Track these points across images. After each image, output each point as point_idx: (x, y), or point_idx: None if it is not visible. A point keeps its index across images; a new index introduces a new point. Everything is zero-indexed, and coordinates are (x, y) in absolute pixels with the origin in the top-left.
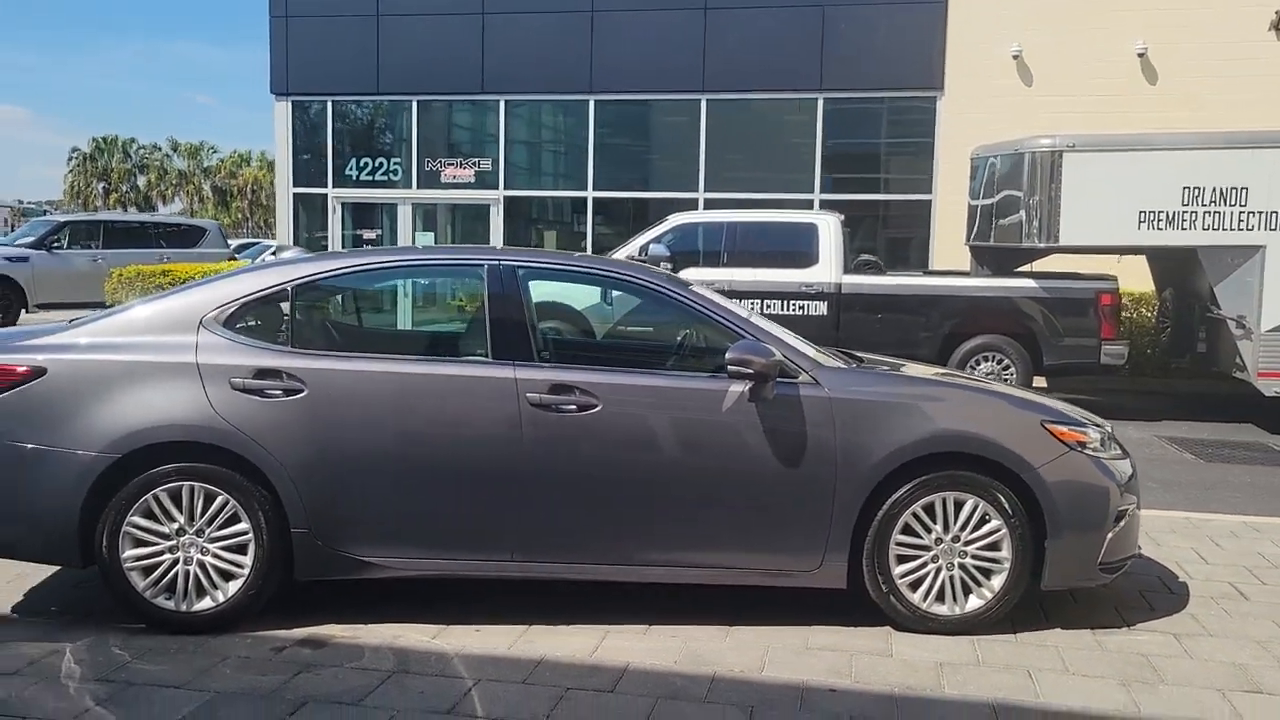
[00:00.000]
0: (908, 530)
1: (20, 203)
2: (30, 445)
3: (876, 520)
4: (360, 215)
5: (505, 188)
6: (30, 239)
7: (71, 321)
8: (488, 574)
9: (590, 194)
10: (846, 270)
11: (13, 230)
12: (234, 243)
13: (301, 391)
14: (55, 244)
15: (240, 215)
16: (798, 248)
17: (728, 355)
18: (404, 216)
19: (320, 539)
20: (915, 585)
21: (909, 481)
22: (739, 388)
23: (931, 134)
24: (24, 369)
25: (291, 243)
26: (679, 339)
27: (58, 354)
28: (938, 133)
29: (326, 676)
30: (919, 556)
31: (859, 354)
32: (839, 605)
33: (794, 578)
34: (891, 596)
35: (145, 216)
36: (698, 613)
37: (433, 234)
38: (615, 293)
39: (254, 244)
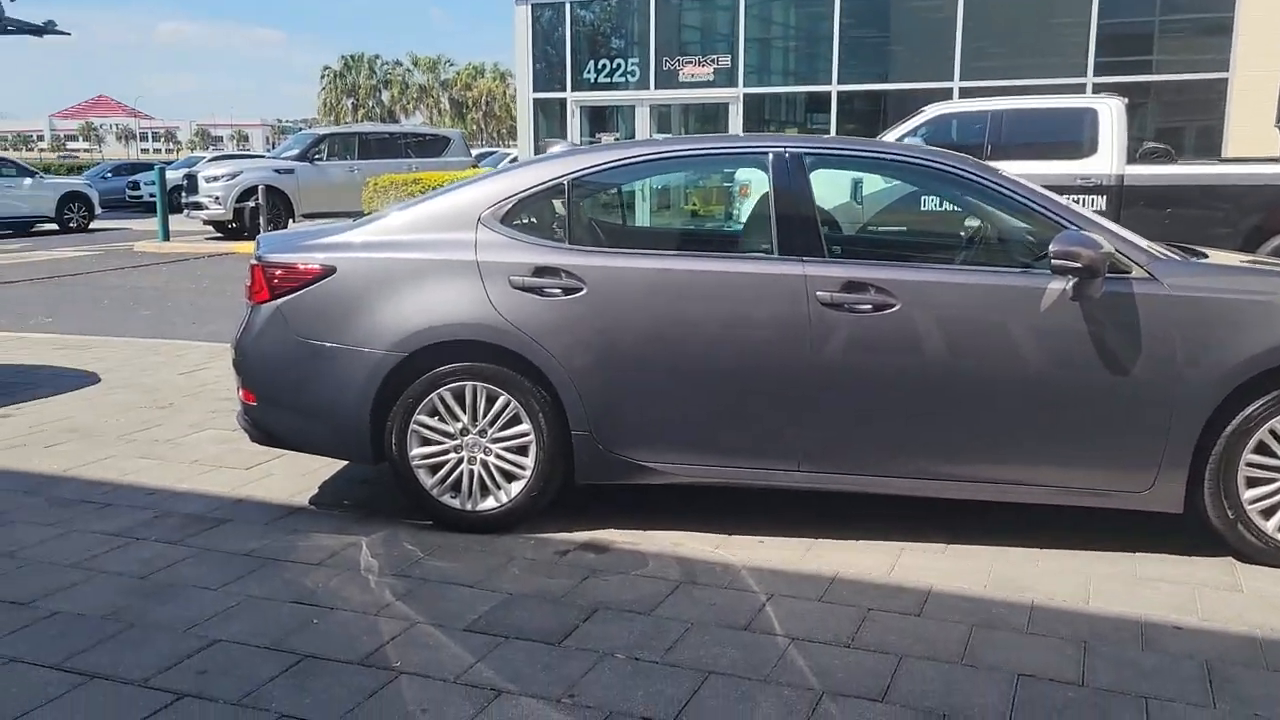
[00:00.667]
0: (1262, 449)
1: (279, 121)
2: (323, 343)
3: (1224, 436)
4: (597, 118)
5: (744, 85)
6: (294, 152)
7: (355, 221)
8: (772, 484)
9: (834, 88)
10: (1130, 160)
11: (274, 147)
12: (474, 151)
13: (580, 290)
14: (316, 156)
15: (475, 126)
16: (1073, 137)
17: (1052, 248)
18: (641, 118)
19: (600, 442)
20: (1268, 513)
21: (1268, 392)
22: (1059, 284)
23: (1230, 5)
24: (316, 268)
25: (531, 149)
26: (980, 231)
27: (346, 253)
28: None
29: (614, 583)
30: (1275, 480)
31: (1193, 246)
32: (1162, 530)
33: (1119, 499)
34: (1239, 524)
35: (394, 128)
36: (996, 534)
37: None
38: (884, 185)
39: (492, 152)
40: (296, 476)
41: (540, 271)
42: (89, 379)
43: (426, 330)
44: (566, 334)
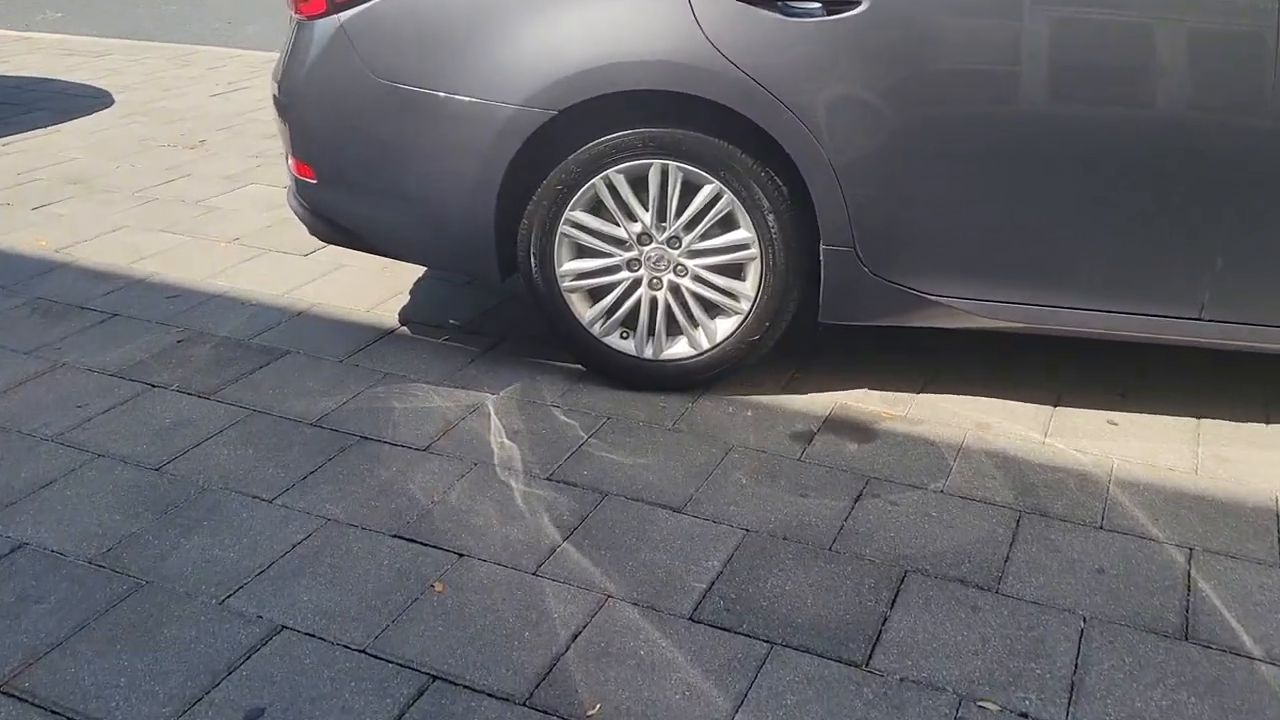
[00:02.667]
0: None
1: None
2: (419, 89)
3: None
4: None
5: None
6: None
7: None
8: (1165, 338)
9: None
10: None
11: None
12: None
13: (857, 5)
14: None
15: None
16: None
17: None
18: None
19: (868, 262)
20: None
21: None
22: None
23: None
24: None
25: None
26: None
27: None
28: None
29: (911, 509)
30: None
31: None
32: None
33: None
34: None
35: None
36: None
37: None
38: None
39: None
40: (377, 270)
41: None
42: (101, 99)
43: (591, 72)
44: (826, 81)
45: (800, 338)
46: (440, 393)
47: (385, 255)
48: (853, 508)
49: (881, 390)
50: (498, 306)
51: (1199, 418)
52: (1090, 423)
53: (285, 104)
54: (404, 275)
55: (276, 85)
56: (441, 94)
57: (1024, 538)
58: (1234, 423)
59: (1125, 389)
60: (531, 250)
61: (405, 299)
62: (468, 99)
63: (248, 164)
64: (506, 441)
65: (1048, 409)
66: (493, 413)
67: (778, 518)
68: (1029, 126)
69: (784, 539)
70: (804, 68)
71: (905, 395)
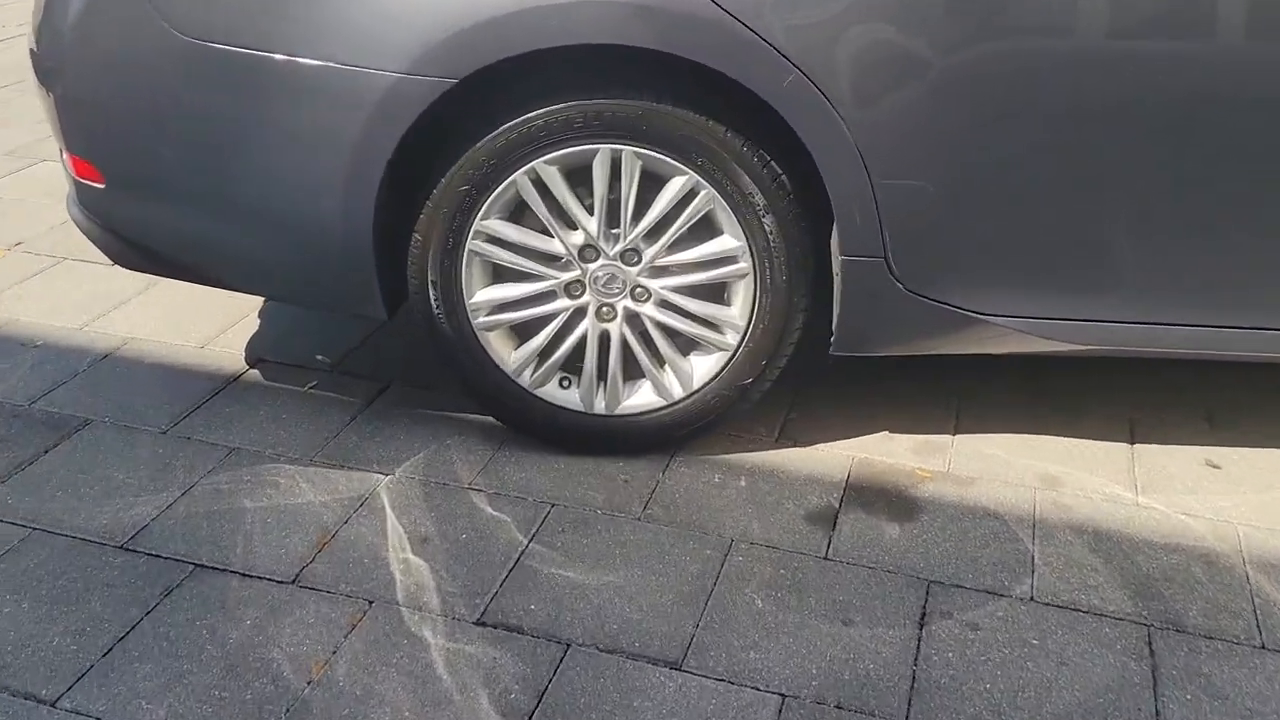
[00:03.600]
0: None
1: None
2: (241, 49)
3: None
4: None
5: None
6: None
7: None
8: (1258, 355)
9: None
10: None
11: None
12: None
13: None
14: None
15: None
16: None
17: None
18: None
19: (903, 275)
20: None
21: None
22: None
23: None
24: None
25: None
26: None
27: None
28: None
29: (993, 632)
30: None
31: None
32: None
33: None
34: None
35: None
36: None
37: None
38: None
39: None
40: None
41: None
42: None
43: (506, 20)
44: (849, 23)
45: (789, 365)
46: (310, 478)
47: (217, 287)
48: (919, 640)
49: (907, 433)
50: (382, 333)
51: None
52: (1185, 467)
53: (49, 69)
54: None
55: (35, 38)
56: (280, 56)
57: (1168, 675)
58: None
59: (1209, 410)
60: (429, 275)
61: (253, 326)
62: (321, 63)
63: (37, 133)
64: (413, 559)
65: (1123, 448)
66: (388, 508)
67: (819, 667)
68: (1134, 88)
69: (837, 708)
70: (816, 4)
71: (939, 439)
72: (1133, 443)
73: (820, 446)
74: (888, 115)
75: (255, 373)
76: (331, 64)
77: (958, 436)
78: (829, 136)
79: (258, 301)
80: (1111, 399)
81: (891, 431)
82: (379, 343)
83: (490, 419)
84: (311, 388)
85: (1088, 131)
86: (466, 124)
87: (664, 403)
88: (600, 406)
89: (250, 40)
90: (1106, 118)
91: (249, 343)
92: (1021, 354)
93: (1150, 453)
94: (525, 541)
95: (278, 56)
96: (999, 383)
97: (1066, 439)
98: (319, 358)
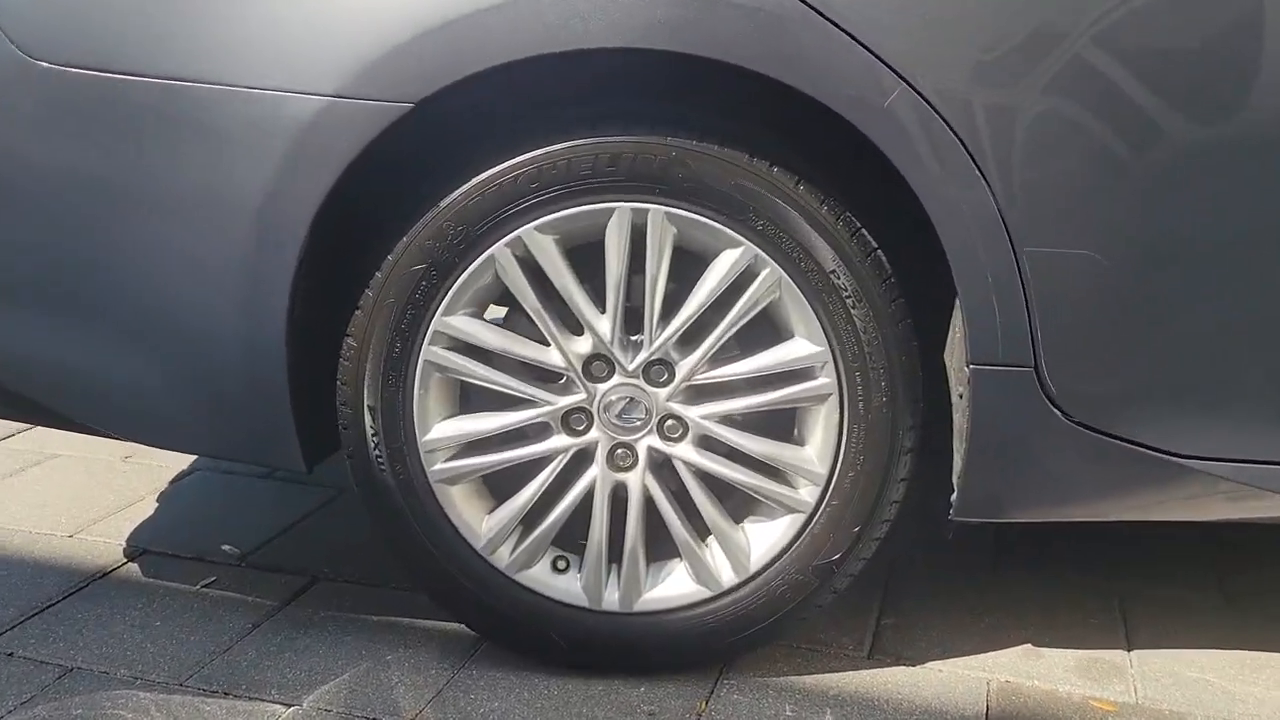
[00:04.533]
0: None
1: None
2: (112, 75)
3: None
4: None
5: None
6: None
7: None
8: None
9: None
10: None
11: None
12: None
13: None
14: None
15: None
16: None
17: None
18: None
19: (1063, 395)
20: None
21: None
22: None
23: None
24: None
25: None
26: None
27: None
28: None
29: None
30: None
31: None
32: None
33: None
34: None
35: None
36: None
37: None
38: None
39: None
40: (115, 451)
41: None
42: None
43: (481, 17)
44: (976, 43)
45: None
46: (173, 711)
47: (82, 431)
48: None
49: (1059, 647)
50: (321, 516)
51: None
52: None
53: None
54: (162, 458)
55: None
56: (165, 82)
57: None
58: None
59: None
60: (364, 399)
61: (149, 509)
62: (222, 86)
63: None
64: None
65: None
66: None
67: None
68: None
69: None
70: (963, 22)
71: (1109, 656)
72: None
73: (936, 665)
74: (1054, 175)
75: (133, 567)
76: (231, 87)
77: (1135, 653)
78: (962, 203)
79: (164, 478)
80: None
81: (1036, 644)
82: (314, 529)
83: (450, 621)
84: (206, 585)
85: None
86: (426, 172)
87: (708, 594)
88: (613, 600)
89: (122, 62)
90: None
91: (135, 529)
92: (1206, 540)
93: None
94: None
95: (162, 82)
96: (1176, 583)
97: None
98: (225, 548)
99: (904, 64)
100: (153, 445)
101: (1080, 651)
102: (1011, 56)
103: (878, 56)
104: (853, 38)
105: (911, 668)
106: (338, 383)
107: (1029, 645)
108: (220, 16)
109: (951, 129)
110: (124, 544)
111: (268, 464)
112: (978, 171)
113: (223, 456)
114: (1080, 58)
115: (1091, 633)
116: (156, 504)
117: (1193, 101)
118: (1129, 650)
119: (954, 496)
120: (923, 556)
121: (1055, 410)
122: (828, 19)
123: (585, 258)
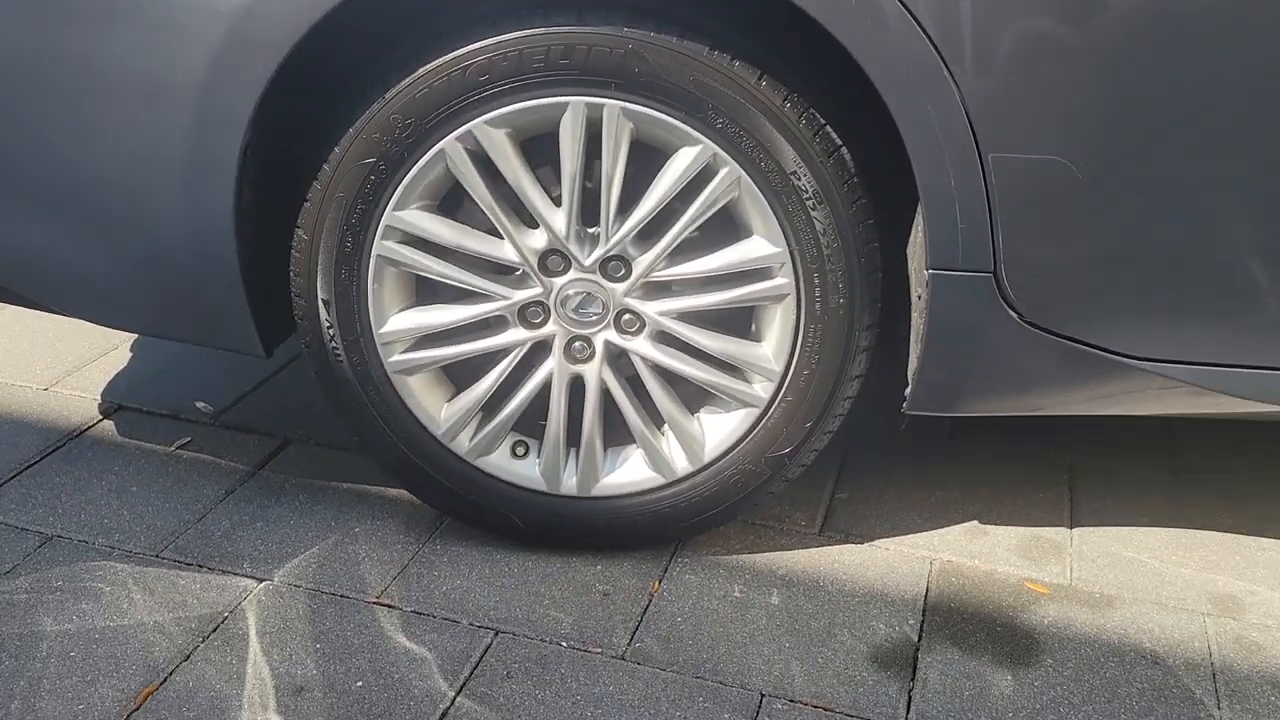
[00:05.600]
0: None
1: None
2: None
3: None
4: None
5: None
6: None
7: None
8: None
9: None
10: None
11: None
12: None
13: None
14: None
15: None
16: None
17: None
18: None
19: (1021, 300)
20: None
21: None
22: None
23: None
24: None
25: None
26: None
27: None
28: None
29: None
30: None
31: None
32: None
33: None
34: None
35: None
36: None
37: None
38: None
39: None
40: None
41: None
42: None
43: None
44: None
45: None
46: (150, 584)
47: (44, 310)
48: None
49: (1005, 524)
50: (292, 371)
51: None
52: None
53: None
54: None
55: None
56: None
57: None
58: None
59: None
60: (318, 293)
61: (122, 360)
62: None
63: None
64: None
65: None
66: (254, 635)
67: None
68: None
69: None
70: None
71: (1051, 535)
72: None
73: (883, 543)
74: (1022, 67)
75: (109, 425)
76: None
77: (1077, 531)
78: (918, 80)
79: None
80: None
81: (982, 522)
82: (285, 385)
83: (400, 487)
84: (181, 446)
85: None
86: (373, 62)
87: (662, 480)
88: (570, 485)
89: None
90: None
91: (110, 383)
92: (1160, 418)
93: None
94: (452, 694)
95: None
96: (1126, 459)
97: (1239, 539)
98: (199, 405)
99: None
100: (102, 324)
101: (1024, 529)
102: None
103: None
104: None
105: (859, 545)
106: (290, 274)
107: (975, 522)
108: None
109: (921, 27)
110: (99, 399)
111: (224, 348)
112: (946, 72)
113: (174, 338)
114: None
115: (1037, 509)
116: (130, 353)
117: (1166, 9)
118: (1071, 528)
119: (908, 391)
120: (881, 429)
121: (1011, 312)
122: None
123: (542, 148)
